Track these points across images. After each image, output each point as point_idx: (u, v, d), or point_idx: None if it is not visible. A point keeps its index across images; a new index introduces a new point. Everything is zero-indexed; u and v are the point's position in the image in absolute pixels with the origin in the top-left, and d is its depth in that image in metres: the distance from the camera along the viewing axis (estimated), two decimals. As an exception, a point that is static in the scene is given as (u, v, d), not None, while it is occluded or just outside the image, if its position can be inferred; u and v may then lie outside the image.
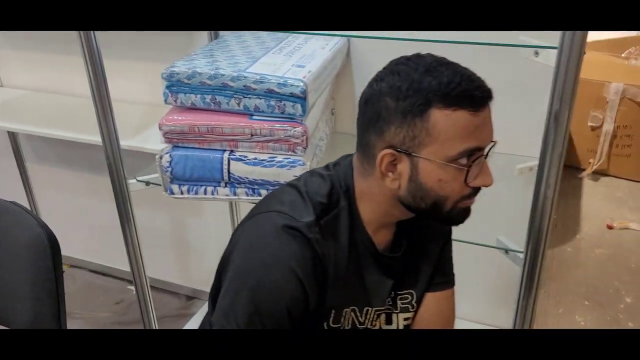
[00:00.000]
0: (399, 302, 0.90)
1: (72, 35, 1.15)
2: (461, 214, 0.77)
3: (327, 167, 0.86)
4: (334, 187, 0.80)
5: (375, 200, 0.79)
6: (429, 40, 0.92)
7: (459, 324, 1.70)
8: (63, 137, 1.54)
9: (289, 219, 0.75)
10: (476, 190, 0.76)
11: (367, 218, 0.81)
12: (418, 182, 0.74)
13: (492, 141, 0.75)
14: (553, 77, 0.83)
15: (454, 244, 1.07)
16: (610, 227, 2.23)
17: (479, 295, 1.67)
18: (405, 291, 0.90)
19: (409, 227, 0.87)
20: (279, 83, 1.08)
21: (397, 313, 0.90)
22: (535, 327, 1.77)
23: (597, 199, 2.41)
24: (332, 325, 0.82)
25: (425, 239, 0.90)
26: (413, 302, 0.91)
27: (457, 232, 1.09)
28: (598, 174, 2.53)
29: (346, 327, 0.84)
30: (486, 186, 0.75)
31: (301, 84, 1.07)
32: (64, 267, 2.23)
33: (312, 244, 0.75)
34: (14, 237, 1.16)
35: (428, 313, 0.92)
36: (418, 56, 0.74)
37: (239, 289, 0.75)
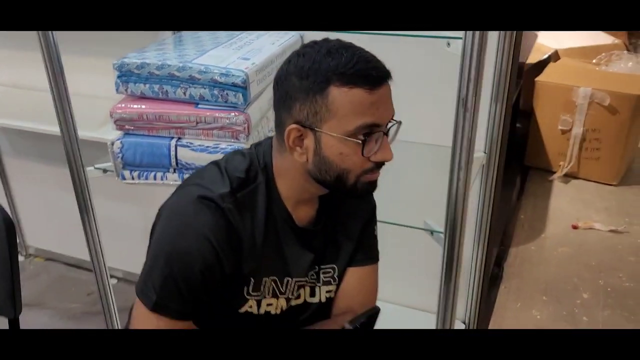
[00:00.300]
0: (321, 275, 0.95)
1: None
2: (365, 187, 0.83)
3: (250, 147, 0.91)
4: (252, 164, 0.86)
5: (291, 176, 0.85)
6: (373, 33, 0.98)
7: (393, 309, 1.75)
8: (28, 129, 1.61)
9: (204, 191, 0.81)
10: (379, 165, 0.81)
11: (285, 194, 0.86)
12: (322, 155, 0.79)
13: (396, 120, 0.81)
14: (460, 66, 0.89)
15: (397, 228, 1.12)
16: (575, 227, 2.28)
17: (417, 280, 1.71)
18: (327, 265, 0.95)
19: (331, 204, 0.92)
20: (222, 73, 1.14)
21: (319, 286, 0.95)
22: (493, 319, 1.82)
23: (566, 201, 2.46)
24: (251, 292, 0.87)
25: (347, 216, 0.95)
26: (335, 276, 0.96)
27: (391, 214, 1.15)
28: (568, 176, 2.59)
29: (267, 296, 0.89)
30: (386, 161, 0.81)
31: (242, 74, 1.13)
32: (40, 260, 2.29)
33: (225, 213, 0.80)
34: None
35: (350, 287, 0.97)
36: (325, 40, 0.80)
37: (157, 255, 0.81)
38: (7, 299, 1.24)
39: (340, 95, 0.76)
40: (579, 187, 2.55)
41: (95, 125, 1.53)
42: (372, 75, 0.76)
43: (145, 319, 0.80)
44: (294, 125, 0.79)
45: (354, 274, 0.97)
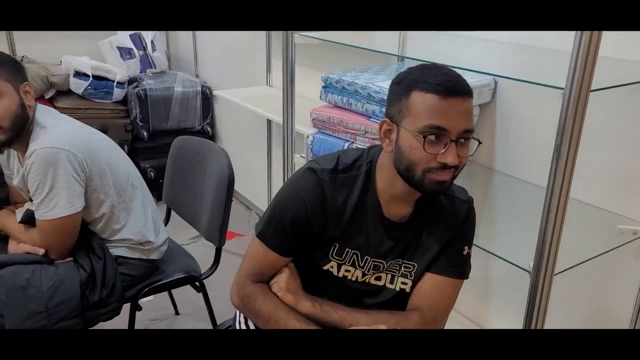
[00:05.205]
0: (402, 268, 1.10)
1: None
2: (432, 185, 0.97)
3: (370, 146, 1.14)
4: (361, 157, 1.08)
5: (385, 169, 1.04)
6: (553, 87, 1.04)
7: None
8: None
9: (314, 165, 1.07)
10: (444, 166, 0.95)
11: (380, 186, 1.06)
12: (399, 146, 0.98)
13: (475, 138, 0.94)
14: (560, 114, 0.93)
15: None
16: None
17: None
18: (409, 261, 1.10)
19: (427, 212, 1.08)
20: (391, 95, 1.38)
21: (398, 276, 1.11)
22: None
23: None
24: (334, 256, 1.08)
25: (439, 226, 1.09)
26: (413, 272, 1.10)
27: (504, 251, 1.21)
28: None
29: (347, 263, 1.09)
30: (448, 163, 0.94)
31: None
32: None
33: (321, 183, 1.03)
34: (211, 169, 1.74)
35: (422, 288, 1.09)
36: (424, 63, 1.00)
37: (271, 203, 1.11)
38: (217, 231, 1.71)
39: (418, 98, 0.94)
40: None
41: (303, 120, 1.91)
42: (445, 85, 0.93)
43: (254, 242, 1.10)
44: (385, 119, 1.01)
45: (429, 279, 1.10)
